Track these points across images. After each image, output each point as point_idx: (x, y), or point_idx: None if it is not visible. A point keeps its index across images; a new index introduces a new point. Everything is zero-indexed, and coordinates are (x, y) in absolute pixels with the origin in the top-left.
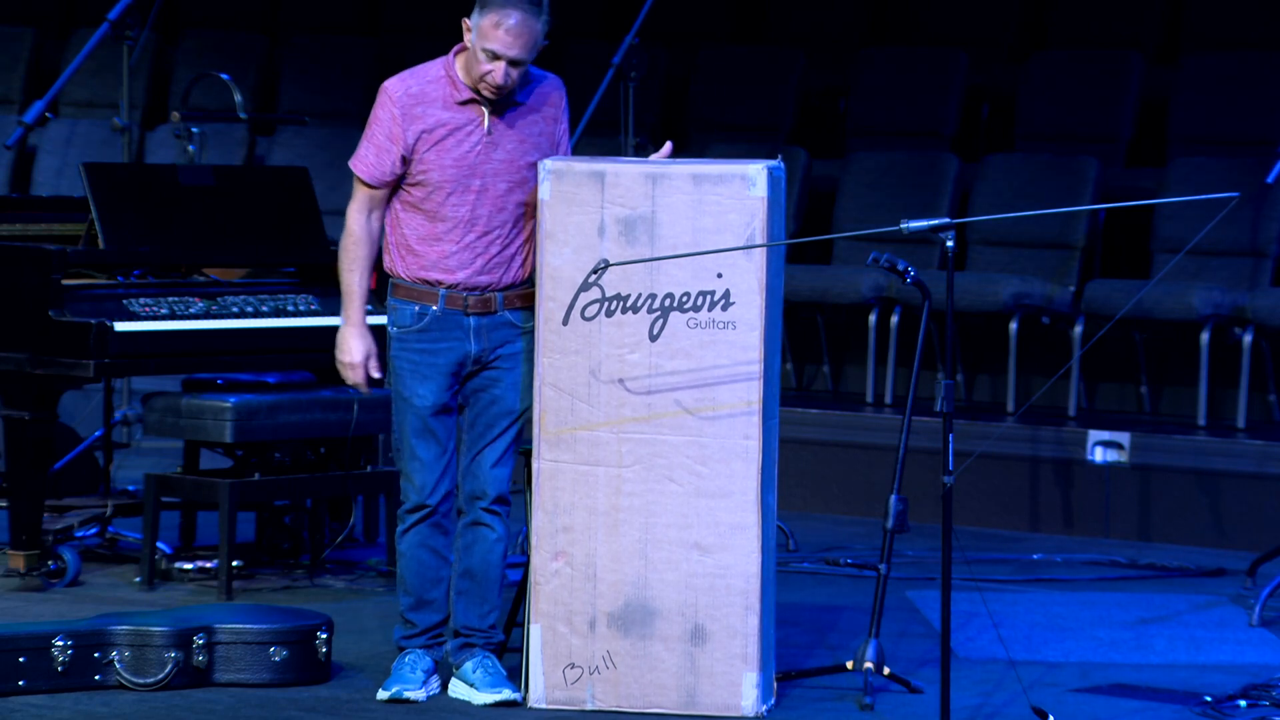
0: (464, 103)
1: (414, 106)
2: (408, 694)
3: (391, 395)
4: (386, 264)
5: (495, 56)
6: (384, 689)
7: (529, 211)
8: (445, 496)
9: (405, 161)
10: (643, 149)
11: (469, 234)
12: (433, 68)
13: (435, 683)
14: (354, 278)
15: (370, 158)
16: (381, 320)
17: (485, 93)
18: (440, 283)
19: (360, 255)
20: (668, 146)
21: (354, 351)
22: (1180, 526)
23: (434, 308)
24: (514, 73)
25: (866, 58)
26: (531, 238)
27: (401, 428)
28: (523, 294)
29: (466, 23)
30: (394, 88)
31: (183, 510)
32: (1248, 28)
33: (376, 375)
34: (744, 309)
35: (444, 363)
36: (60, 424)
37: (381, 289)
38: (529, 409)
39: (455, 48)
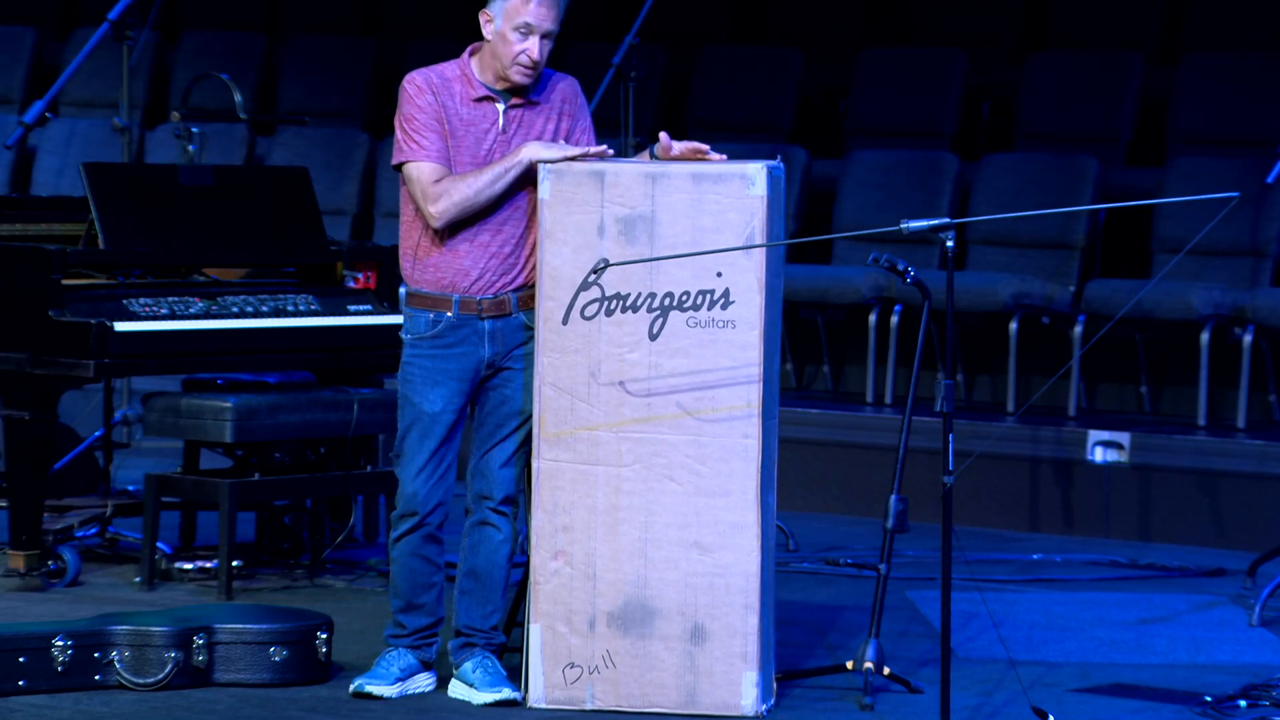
0: (479, 100)
1: (438, 95)
2: (370, 688)
3: (399, 401)
4: (402, 271)
5: (529, 32)
6: (353, 683)
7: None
8: (436, 508)
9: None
10: (642, 149)
11: (482, 233)
12: (448, 67)
13: (422, 680)
14: (475, 174)
15: (426, 142)
16: (393, 320)
17: (517, 77)
18: (455, 287)
19: (458, 178)
20: (663, 136)
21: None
22: (1180, 526)
23: (448, 314)
24: (546, 47)
25: (866, 58)
26: None
27: (404, 434)
28: (534, 294)
29: (486, 13)
30: (418, 77)
31: (183, 510)
32: (1248, 28)
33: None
34: (743, 308)
35: (456, 368)
36: (60, 424)
37: (383, 290)
38: None
39: (469, 48)
